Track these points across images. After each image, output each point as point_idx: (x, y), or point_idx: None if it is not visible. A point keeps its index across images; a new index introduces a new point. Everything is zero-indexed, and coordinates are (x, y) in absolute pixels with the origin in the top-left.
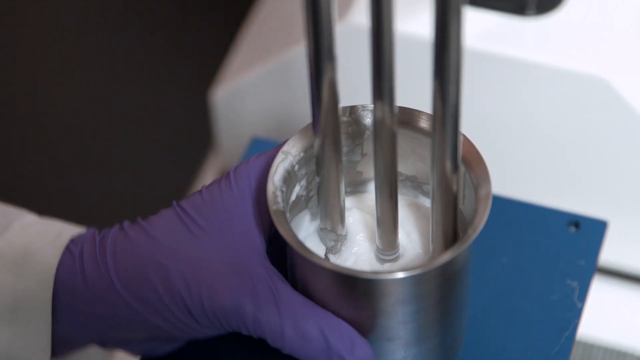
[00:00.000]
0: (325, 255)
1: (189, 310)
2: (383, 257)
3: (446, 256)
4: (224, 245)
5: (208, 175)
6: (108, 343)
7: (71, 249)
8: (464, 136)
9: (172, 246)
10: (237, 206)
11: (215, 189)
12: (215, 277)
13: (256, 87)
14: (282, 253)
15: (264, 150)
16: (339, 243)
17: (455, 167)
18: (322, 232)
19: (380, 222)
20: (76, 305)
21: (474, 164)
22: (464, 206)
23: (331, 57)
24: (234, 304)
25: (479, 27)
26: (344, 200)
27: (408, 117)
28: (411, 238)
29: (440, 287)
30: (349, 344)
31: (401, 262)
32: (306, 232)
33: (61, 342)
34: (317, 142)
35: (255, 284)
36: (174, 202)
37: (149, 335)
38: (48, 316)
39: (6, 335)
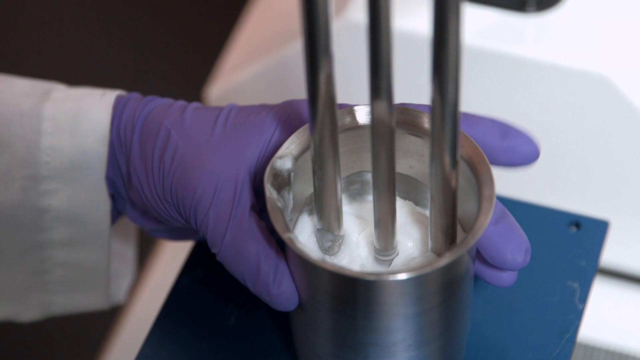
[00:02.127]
0: (322, 255)
1: (163, 176)
2: (381, 257)
3: (450, 257)
4: (229, 150)
5: None
6: (138, 205)
7: (117, 107)
8: (467, 137)
9: (189, 129)
10: (265, 129)
11: (257, 108)
12: (201, 161)
13: (252, 85)
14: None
15: None
16: (336, 244)
17: (454, 164)
18: (319, 233)
19: (378, 222)
20: (117, 161)
21: (477, 164)
22: (465, 207)
23: (327, 53)
24: (200, 187)
25: (478, 24)
26: (341, 200)
27: (406, 116)
28: (409, 238)
29: (443, 289)
30: (279, 277)
31: (400, 263)
32: (307, 234)
33: (117, 198)
34: (313, 141)
35: (228, 188)
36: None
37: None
38: (102, 172)
39: (67, 193)
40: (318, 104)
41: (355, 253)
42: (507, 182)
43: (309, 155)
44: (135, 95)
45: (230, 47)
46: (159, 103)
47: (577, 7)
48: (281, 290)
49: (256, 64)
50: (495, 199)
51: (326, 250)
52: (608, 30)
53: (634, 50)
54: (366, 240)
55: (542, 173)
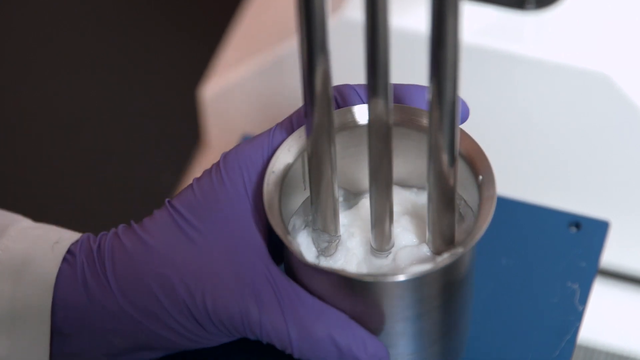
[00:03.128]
0: (318, 256)
1: (195, 318)
2: (378, 257)
3: (450, 258)
4: (222, 247)
5: (197, 174)
6: (115, 356)
7: (68, 258)
8: (468, 135)
9: (170, 254)
10: (232, 202)
11: (207, 184)
12: (217, 281)
13: (247, 83)
14: (281, 247)
15: None
16: (333, 244)
17: (452, 162)
18: (315, 233)
19: (374, 222)
20: (77, 316)
21: (478, 163)
22: (466, 207)
23: (324, 50)
24: (238, 310)
25: (477, 22)
26: (337, 199)
27: (403, 114)
28: (407, 238)
29: (443, 290)
30: (361, 342)
31: (398, 263)
32: (302, 236)
33: (61, 355)
34: (309, 139)
35: (258, 286)
36: (167, 201)
37: (156, 345)
38: (47, 326)
39: (5, 345)
40: (315, 103)
41: (352, 253)
42: (505, 181)
43: (304, 157)
44: (85, 238)
45: (225, 45)
46: (112, 244)
47: (577, 4)
48: (370, 354)
49: (251, 62)
50: (495, 200)
51: (322, 251)
52: (608, 27)
53: (635, 48)
54: (362, 240)
55: (541, 172)
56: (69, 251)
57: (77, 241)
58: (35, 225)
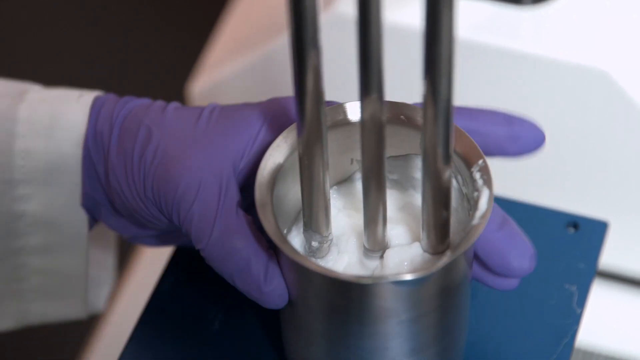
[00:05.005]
0: (308, 257)
1: (144, 173)
2: (371, 258)
3: (449, 258)
4: (213, 145)
5: None
6: (118, 209)
7: (94, 108)
8: (466, 135)
9: (172, 123)
10: (250, 126)
11: (241, 106)
12: (184, 155)
13: (236, 80)
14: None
15: None
16: (325, 245)
17: (447, 160)
18: (307, 234)
19: (367, 222)
20: (92, 164)
21: (474, 161)
22: (462, 209)
23: (315, 46)
24: (183, 181)
25: (472, 17)
26: (329, 199)
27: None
28: (401, 238)
29: (440, 292)
30: (270, 274)
31: (391, 264)
32: (293, 235)
33: (93, 204)
34: (300, 138)
35: (213, 183)
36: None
37: (120, 204)
38: (79, 175)
39: (43, 198)
40: (306, 100)
41: (343, 254)
42: (502, 181)
43: (296, 156)
44: (112, 96)
45: (214, 41)
46: (137, 103)
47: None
48: (272, 287)
49: (241, 59)
50: (493, 201)
51: (314, 252)
52: (606, 23)
53: (633, 43)
54: (355, 240)
55: (538, 171)
56: (95, 101)
57: (102, 96)
58: (53, 88)
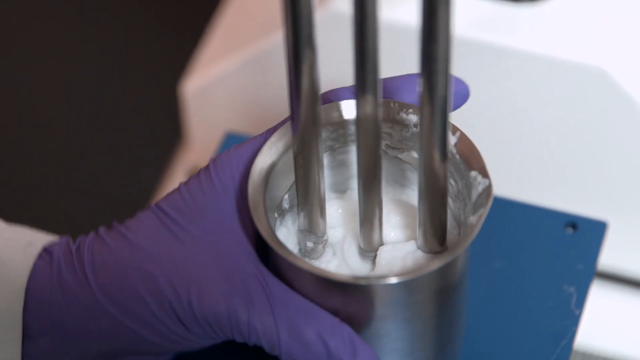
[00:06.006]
0: (302, 257)
1: (180, 318)
2: (366, 258)
3: (447, 257)
4: (212, 248)
5: (178, 173)
6: None
7: (44, 258)
8: (463, 133)
9: (156, 252)
10: (222, 204)
11: (195, 186)
12: (205, 281)
13: (230, 79)
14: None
15: None
16: (319, 245)
17: (444, 159)
18: (301, 234)
19: (363, 222)
20: (52, 319)
21: (473, 162)
22: (458, 207)
23: (311, 44)
24: (226, 309)
25: (469, 14)
26: (324, 199)
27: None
28: (397, 237)
29: (437, 293)
30: (350, 347)
31: (386, 265)
32: (283, 235)
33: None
34: (295, 137)
35: (248, 286)
36: (152, 204)
37: (135, 349)
38: (19, 332)
39: None
40: (301, 97)
41: (339, 254)
42: (499, 180)
43: (289, 156)
44: (64, 241)
45: (208, 39)
46: (92, 244)
47: None
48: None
49: (235, 57)
50: (491, 200)
51: (308, 252)
52: (604, 21)
53: (631, 41)
54: (350, 241)
55: (536, 171)
56: (45, 250)
57: (54, 243)
58: (7, 227)
